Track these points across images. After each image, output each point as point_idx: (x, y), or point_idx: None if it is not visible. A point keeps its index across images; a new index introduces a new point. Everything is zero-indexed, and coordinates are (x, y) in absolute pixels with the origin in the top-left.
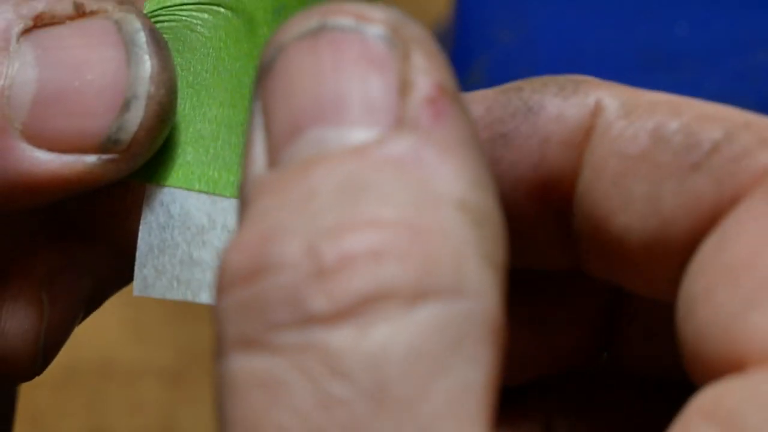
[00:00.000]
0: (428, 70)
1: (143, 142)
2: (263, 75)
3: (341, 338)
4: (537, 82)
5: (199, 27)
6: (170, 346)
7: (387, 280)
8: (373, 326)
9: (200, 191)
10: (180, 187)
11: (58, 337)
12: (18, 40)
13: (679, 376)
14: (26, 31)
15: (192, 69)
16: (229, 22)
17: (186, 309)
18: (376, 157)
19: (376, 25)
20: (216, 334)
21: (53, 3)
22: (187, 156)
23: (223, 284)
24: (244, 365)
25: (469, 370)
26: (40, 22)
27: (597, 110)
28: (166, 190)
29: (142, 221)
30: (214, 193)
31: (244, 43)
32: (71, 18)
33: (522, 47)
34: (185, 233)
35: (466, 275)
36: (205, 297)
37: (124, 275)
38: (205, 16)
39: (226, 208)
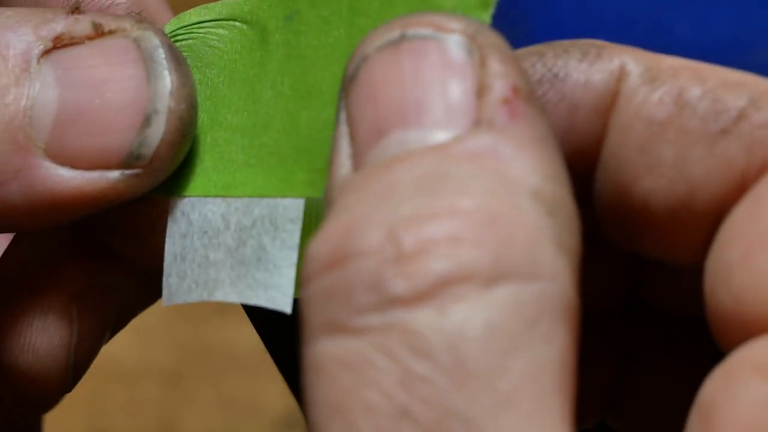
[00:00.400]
0: (504, 74)
1: (165, 156)
2: (347, 85)
3: (421, 319)
4: (558, 47)
5: (215, 42)
6: (170, 346)
7: (464, 263)
8: (451, 306)
9: (216, 195)
10: (198, 195)
11: (86, 355)
12: (38, 61)
13: (692, 310)
14: (46, 53)
15: (210, 83)
16: (244, 35)
17: (186, 309)
18: (455, 152)
19: (453, 33)
20: (302, 322)
21: (72, 24)
22: (205, 164)
23: (308, 274)
24: (330, 348)
25: (544, 347)
26: (60, 43)
27: (621, 75)
28: (186, 200)
29: (167, 233)
30: (228, 195)
31: (257, 51)
32: (90, 38)
33: (522, 46)
34: (203, 237)
35: (541, 259)
36: (220, 294)
37: (148, 295)
38: (221, 31)
39: (239, 208)
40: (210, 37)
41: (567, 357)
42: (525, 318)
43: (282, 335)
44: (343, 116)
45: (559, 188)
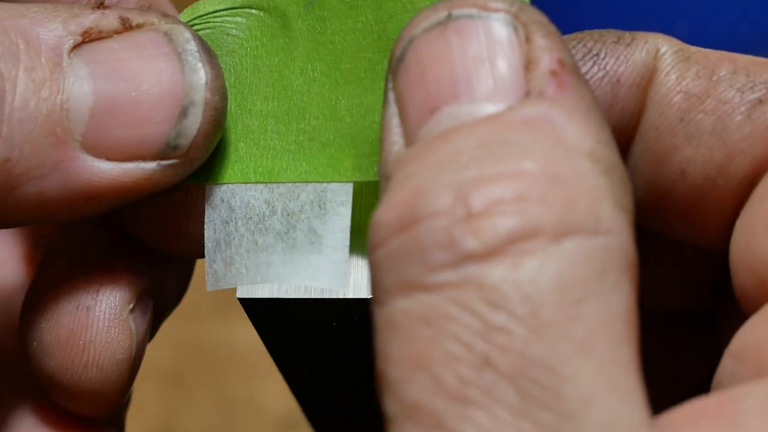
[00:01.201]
0: (549, 48)
1: (201, 146)
2: (395, 67)
3: (496, 273)
4: (593, 33)
5: (233, 30)
6: (170, 346)
7: (532, 219)
8: (523, 260)
9: (257, 182)
10: (237, 182)
11: (138, 363)
12: (69, 55)
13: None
14: (76, 47)
15: (233, 70)
16: (262, 22)
17: (186, 309)
18: (509, 120)
19: (498, 12)
20: (373, 285)
21: (99, 18)
22: (240, 151)
23: (376, 240)
24: (406, 306)
25: (613, 297)
26: (88, 38)
27: (657, 55)
28: (224, 187)
29: (206, 220)
30: (270, 182)
31: (280, 38)
32: (118, 32)
33: None
34: (248, 223)
35: (602, 215)
36: (274, 277)
37: (179, 297)
38: (238, 19)
39: (284, 193)
40: (227, 25)
41: (632, 308)
42: (593, 270)
43: (282, 335)
44: (391, 97)
45: (610, 152)
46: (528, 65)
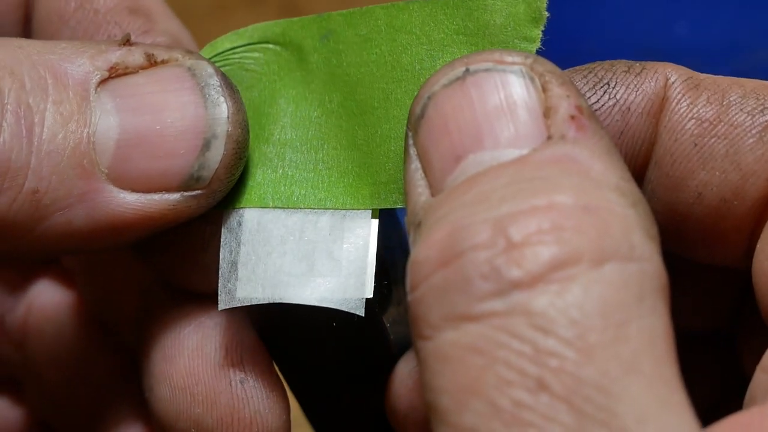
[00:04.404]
0: (566, 95)
1: (223, 178)
2: (415, 124)
3: (542, 299)
4: (604, 64)
5: (251, 65)
6: None
7: (572, 247)
8: (567, 286)
9: (275, 207)
10: (254, 207)
11: None
12: (96, 90)
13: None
14: (103, 82)
15: (251, 104)
16: (279, 56)
17: None
18: (536, 160)
19: (514, 65)
20: (415, 322)
21: (125, 54)
22: (257, 178)
23: (417, 278)
24: (454, 337)
25: (652, 318)
26: (115, 73)
27: (666, 83)
28: (241, 211)
29: (222, 243)
30: (287, 207)
31: (296, 71)
32: (144, 68)
33: None
34: (266, 245)
35: (635, 243)
36: (294, 297)
37: None
38: (256, 54)
39: (302, 218)
40: (245, 61)
41: (669, 329)
42: (633, 293)
43: (282, 335)
44: (413, 152)
45: (634, 187)
46: (547, 112)
